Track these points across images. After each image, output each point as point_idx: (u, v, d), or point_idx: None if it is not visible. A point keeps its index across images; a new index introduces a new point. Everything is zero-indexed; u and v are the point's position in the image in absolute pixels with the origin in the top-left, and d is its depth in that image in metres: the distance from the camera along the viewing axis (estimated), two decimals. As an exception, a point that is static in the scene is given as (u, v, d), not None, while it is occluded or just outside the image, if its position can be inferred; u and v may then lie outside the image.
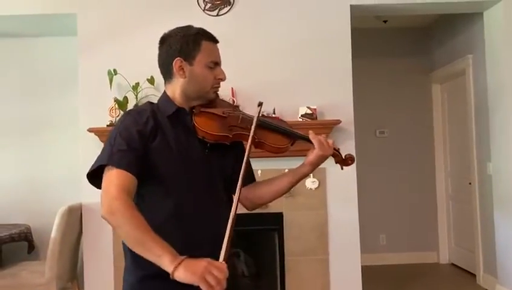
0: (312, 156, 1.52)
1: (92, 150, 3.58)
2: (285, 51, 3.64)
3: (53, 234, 3.36)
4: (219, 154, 1.50)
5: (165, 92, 1.53)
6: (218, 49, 1.52)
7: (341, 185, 3.60)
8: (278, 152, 1.55)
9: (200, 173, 1.46)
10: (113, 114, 3.48)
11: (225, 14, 3.64)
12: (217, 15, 3.64)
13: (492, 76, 4.04)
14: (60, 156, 4.14)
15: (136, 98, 3.47)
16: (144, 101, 3.45)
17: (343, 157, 1.62)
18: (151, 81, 3.45)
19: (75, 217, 3.51)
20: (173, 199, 1.41)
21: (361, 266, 3.62)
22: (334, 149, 1.58)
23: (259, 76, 3.57)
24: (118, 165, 1.34)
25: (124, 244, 1.47)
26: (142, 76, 3.46)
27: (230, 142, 1.49)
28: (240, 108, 1.59)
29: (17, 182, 4.18)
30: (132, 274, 1.46)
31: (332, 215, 3.61)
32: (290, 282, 3.58)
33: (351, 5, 3.65)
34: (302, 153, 3.52)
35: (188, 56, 1.45)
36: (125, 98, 3.48)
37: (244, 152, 1.58)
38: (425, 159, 5.29)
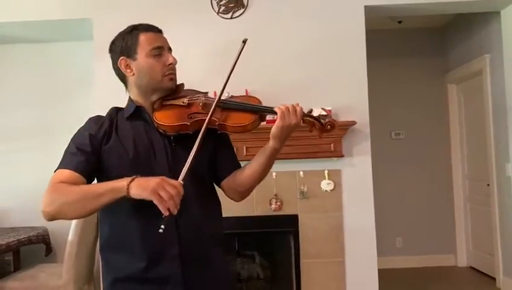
0: (274, 127, 1.38)
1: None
2: (300, 53, 3.63)
3: (70, 236, 3.39)
4: (189, 146, 1.35)
5: (129, 96, 1.54)
6: (161, 37, 1.49)
7: (357, 187, 3.57)
8: (243, 131, 1.45)
9: (163, 171, 1.36)
10: (129, 117, 3.51)
11: (239, 17, 3.65)
12: (231, 18, 3.64)
13: (510, 75, 3.97)
14: (76, 160, 4.18)
15: (151, 101, 3.49)
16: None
17: (322, 123, 1.44)
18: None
19: (91, 220, 3.54)
20: (132, 202, 1.27)
21: (378, 269, 3.58)
22: (309, 116, 1.44)
23: (273, 77, 3.57)
24: (65, 167, 1.35)
25: (99, 250, 1.48)
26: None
27: (193, 131, 1.41)
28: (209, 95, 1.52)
29: (34, 185, 4.20)
30: (105, 278, 1.46)
31: (348, 218, 3.58)
32: (306, 285, 3.56)
33: (365, 6, 3.63)
34: (316, 155, 3.46)
35: (130, 52, 1.46)
36: (140, 101, 3.50)
37: (228, 138, 1.56)
38: (442, 161, 5.22)
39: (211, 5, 3.65)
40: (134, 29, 1.48)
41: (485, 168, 4.53)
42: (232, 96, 1.53)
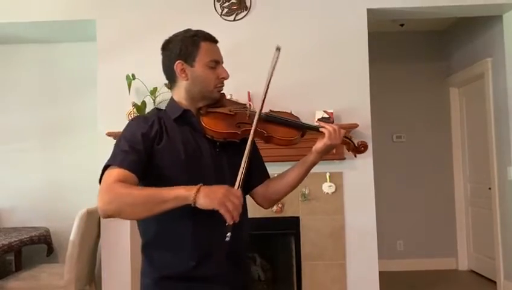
0: (320, 144, 1.54)
1: (110, 153, 3.65)
2: (302, 55, 3.64)
3: (72, 237, 3.40)
4: (231, 153, 1.49)
5: (172, 97, 1.56)
6: (218, 49, 1.54)
7: (358, 190, 3.58)
8: (288, 144, 1.57)
9: (210, 173, 1.45)
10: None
11: (242, 19, 3.66)
12: (234, 20, 3.66)
13: (512, 79, 3.98)
14: (78, 160, 4.20)
15: (154, 102, 3.50)
16: (163, 105, 3.51)
17: (356, 145, 1.63)
18: (168, 86, 3.49)
19: (93, 220, 3.55)
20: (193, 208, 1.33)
21: (378, 272, 3.58)
22: (346, 138, 1.58)
23: (275, 80, 3.51)
24: (119, 165, 1.35)
25: (142, 247, 1.48)
26: (160, 81, 3.40)
27: (240, 139, 1.49)
28: (252, 108, 1.59)
29: (36, 185, 4.25)
30: (148, 276, 1.47)
31: (349, 220, 3.58)
32: (307, 287, 3.56)
33: (367, 9, 3.65)
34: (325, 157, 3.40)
35: (188, 58, 1.48)
36: (143, 102, 3.52)
37: (258, 149, 1.62)
38: (444, 164, 5.22)
39: (214, 7, 3.67)
40: (195, 36, 1.50)
41: (486, 172, 4.53)
42: (271, 111, 1.62)
